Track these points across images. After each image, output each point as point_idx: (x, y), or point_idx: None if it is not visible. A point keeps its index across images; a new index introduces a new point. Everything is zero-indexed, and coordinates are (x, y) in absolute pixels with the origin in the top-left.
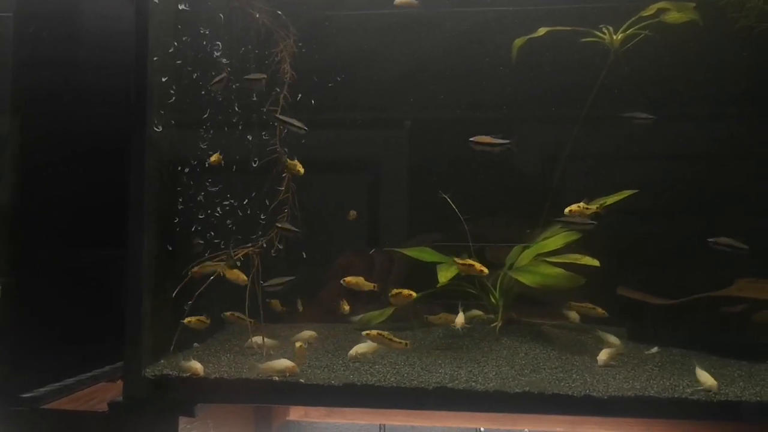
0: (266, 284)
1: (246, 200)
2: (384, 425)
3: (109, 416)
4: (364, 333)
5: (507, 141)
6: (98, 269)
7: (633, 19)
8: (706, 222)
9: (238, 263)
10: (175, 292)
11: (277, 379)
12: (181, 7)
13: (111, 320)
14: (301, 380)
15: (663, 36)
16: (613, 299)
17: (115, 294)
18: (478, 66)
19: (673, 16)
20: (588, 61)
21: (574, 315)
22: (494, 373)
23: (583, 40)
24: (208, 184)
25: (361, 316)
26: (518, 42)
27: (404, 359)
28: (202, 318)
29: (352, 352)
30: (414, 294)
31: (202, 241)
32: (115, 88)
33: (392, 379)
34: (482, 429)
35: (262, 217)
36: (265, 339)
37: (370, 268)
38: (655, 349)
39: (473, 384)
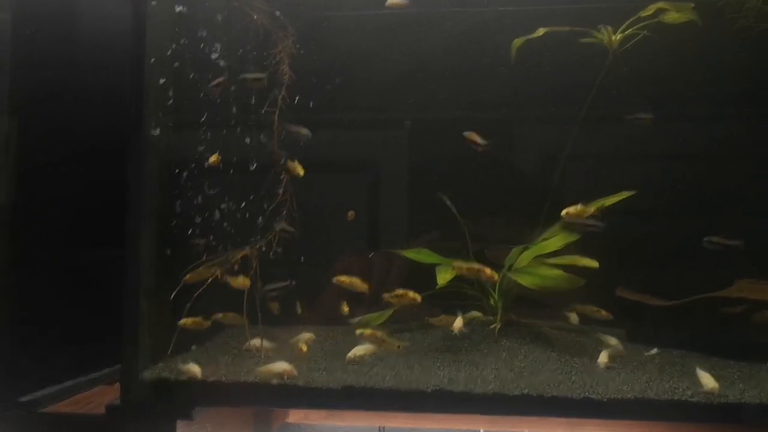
0: (263, 289)
1: (243, 203)
2: (383, 427)
3: (107, 420)
4: (358, 332)
5: (486, 143)
6: (96, 270)
7: (632, 19)
8: (705, 222)
9: (235, 267)
10: (172, 295)
11: (275, 382)
12: (178, 9)
13: (109, 322)
14: (300, 383)
15: (662, 36)
16: (612, 300)
17: (114, 295)
18: (477, 66)
19: (672, 17)
20: (587, 62)
21: (573, 317)
22: (493, 376)
23: (582, 40)
24: (206, 186)
25: (360, 318)
26: (517, 42)
27: (403, 361)
28: (198, 319)
29: (351, 354)
30: (419, 298)
31: (202, 241)
32: (114, 89)
33: (391, 382)
34: (482, 431)
35: (260, 220)
36: (263, 341)
37: (369, 270)
38: (654, 351)
39: (472, 386)
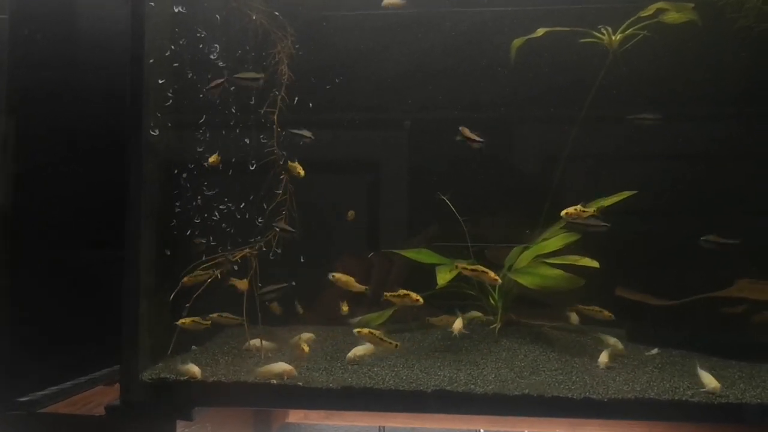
0: (261, 291)
1: (243, 204)
2: (383, 427)
3: (106, 420)
4: (355, 330)
5: (479, 140)
6: (96, 271)
7: (632, 19)
8: (705, 222)
9: (235, 267)
10: (172, 295)
11: (275, 382)
12: (177, 9)
13: (109, 322)
14: (299, 383)
15: (662, 36)
16: (612, 300)
17: (113, 296)
18: (476, 66)
19: (672, 17)
20: (587, 62)
21: (574, 316)
22: (493, 376)
23: (582, 40)
24: (205, 186)
25: (360, 318)
26: (517, 42)
27: (403, 361)
28: (197, 319)
29: (351, 354)
30: (421, 300)
31: (204, 241)
32: (113, 89)
33: (391, 382)
34: (482, 431)
35: (260, 220)
36: (263, 342)
37: (369, 270)
38: (655, 351)
39: (472, 386)
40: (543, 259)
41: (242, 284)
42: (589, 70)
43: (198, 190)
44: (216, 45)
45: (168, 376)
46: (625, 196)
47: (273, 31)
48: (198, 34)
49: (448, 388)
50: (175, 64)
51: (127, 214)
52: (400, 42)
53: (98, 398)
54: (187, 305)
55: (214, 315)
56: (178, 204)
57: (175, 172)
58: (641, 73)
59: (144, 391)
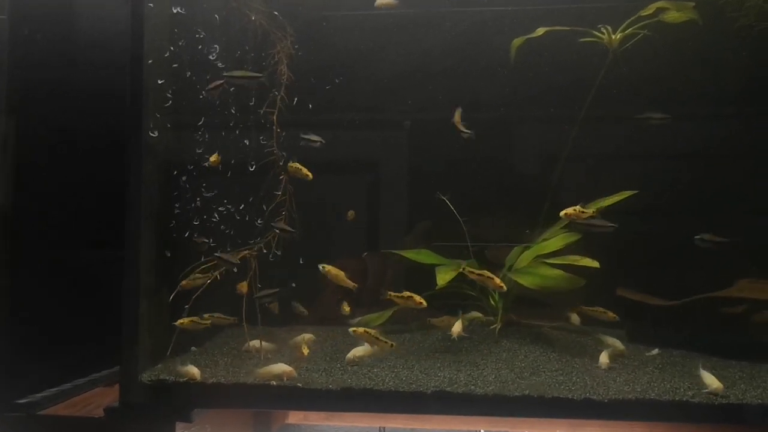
0: (256, 296)
1: (242, 205)
2: (384, 428)
3: (105, 422)
4: (350, 330)
5: (469, 131)
6: (94, 271)
7: (632, 18)
8: (705, 222)
9: (235, 270)
10: (171, 297)
11: (274, 383)
12: (175, 10)
13: (108, 323)
14: (299, 384)
15: (662, 35)
16: (613, 300)
17: (112, 296)
18: (476, 66)
19: (672, 16)
20: (587, 61)
21: (574, 317)
22: (493, 377)
23: (582, 40)
24: (204, 187)
25: (360, 318)
26: (516, 42)
27: (403, 362)
28: (196, 319)
29: (350, 355)
30: (425, 303)
31: (205, 240)
32: (113, 89)
33: (390, 383)
34: (482, 431)
35: (259, 222)
36: (263, 342)
37: (365, 271)
38: (655, 351)
39: (472, 387)
40: (543, 259)
41: (242, 286)
42: (589, 70)
43: (198, 191)
44: (216, 46)
45: (167, 377)
46: (624, 196)
47: (272, 31)
48: (197, 35)
49: (448, 389)
50: (175, 65)
51: (126, 214)
52: (400, 42)
53: (98, 400)
54: (187, 306)
55: (206, 316)
56: (177, 205)
57: (175, 173)
58: (641, 73)
59: (143, 393)
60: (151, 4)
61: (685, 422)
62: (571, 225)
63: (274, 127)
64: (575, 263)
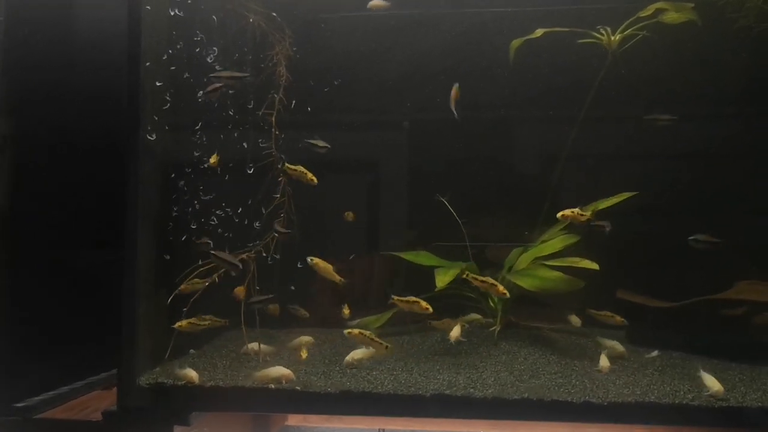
0: (249, 302)
1: (240, 209)
2: (383, 429)
3: (103, 426)
4: (345, 332)
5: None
6: (92, 273)
7: (631, 19)
8: (705, 222)
9: (233, 273)
10: (169, 299)
11: (273, 386)
12: (172, 13)
13: (106, 326)
14: (298, 387)
15: (661, 36)
16: (612, 302)
17: (111, 298)
18: (475, 67)
19: (672, 17)
20: (586, 62)
21: (575, 319)
22: (493, 379)
23: (581, 41)
24: (201, 191)
25: (358, 320)
26: (515, 43)
27: (402, 365)
28: (194, 320)
29: (349, 358)
30: (431, 309)
31: (209, 241)
32: (111, 90)
33: (389, 386)
34: None
35: (257, 224)
36: (261, 345)
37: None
38: (655, 353)
39: (471, 390)
40: (542, 260)
41: (239, 290)
42: (589, 71)
43: (196, 193)
44: (214, 48)
45: (165, 380)
46: (623, 198)
47: (271, 32)
48: (196, 38)
49: (447, 392)
50: (173, 68)
51: (124, 215)
52: (400, 43)
53: (95, 403)
54: (185, 309)
55: (195, 319)
56: (175, 208)
57: (173, 175)
58: (641, 74)
59: (141, 396)
60: (149, 7)
61: (685, 425)
62: (571, 226)
63: (273, 129)
64: (575, 265)
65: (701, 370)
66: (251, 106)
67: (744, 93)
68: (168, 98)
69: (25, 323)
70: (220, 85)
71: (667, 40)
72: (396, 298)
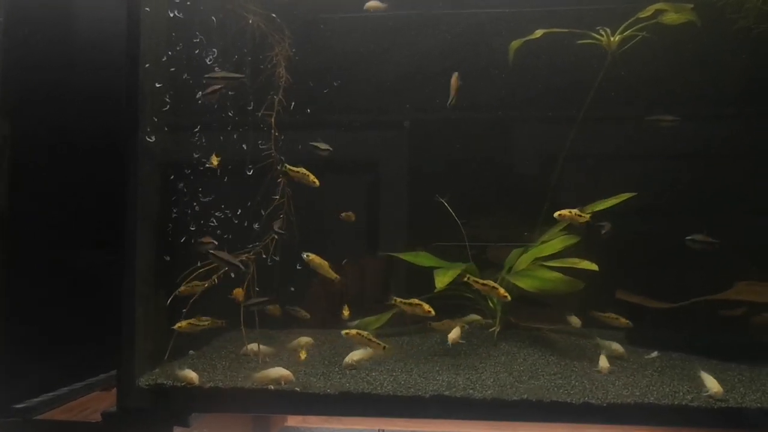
0: (246, 303)
1: (239, 210)
2: (383, 430)
3: (103, 427)
4: (343, 332)
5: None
6: (91, 275)
7: (630, 20)
8: (705, 222)
9: (232, 275)
10: (169, 300)
11: (272, 387)
12: (172, 14)
13: (105, 326)
14: (297, 388)
15: (661, 37)
16: (612, 303)
17: (110, 299)
18: (475, 68)
19: (671, 17)
20: (585, 63)
21: (574, 320)
22: (492, 380)
23: (580, 42)
24: (200, 191)
25: (358, 321)
26: (515, 44)
27: (401, 366)
28: (193, 321)
29: (348, 359)
30: (433, 312)
31: (213, 241)
32: (111, 91)
33: (389, 387)
34: None
35: (256, 226)
36: (261, 346)
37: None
38: (654, 354)
39: (471, 391)
40: (542, 261)
41: (238, 292)
42: (588, 72)
43: (195, 194)
44: (213, 49)
45: (165, 381)
46: (622, 199)
47: (270, 33)
48: (195, 39)
49: (447, 393)
50: (172, 69)
51: (123, 215)
52: (399, 43)
53: (95, 404)
54: (184, 310)
55: (185, 323)
56: (175, 210)
57: (172, 176)
58: (640, 74)
59: (141, 397)
60: (148, 8)
61: (685, 426)
62: (571, 226)
63: (272, 130)
64: (574, 266)
65: (701, 371)
66: (251, 108)
67: (744, 94)
68: (167, 99)
69: (24, 324)
70: (219, 86)
71: (666, 41)
72: (398, 300)
